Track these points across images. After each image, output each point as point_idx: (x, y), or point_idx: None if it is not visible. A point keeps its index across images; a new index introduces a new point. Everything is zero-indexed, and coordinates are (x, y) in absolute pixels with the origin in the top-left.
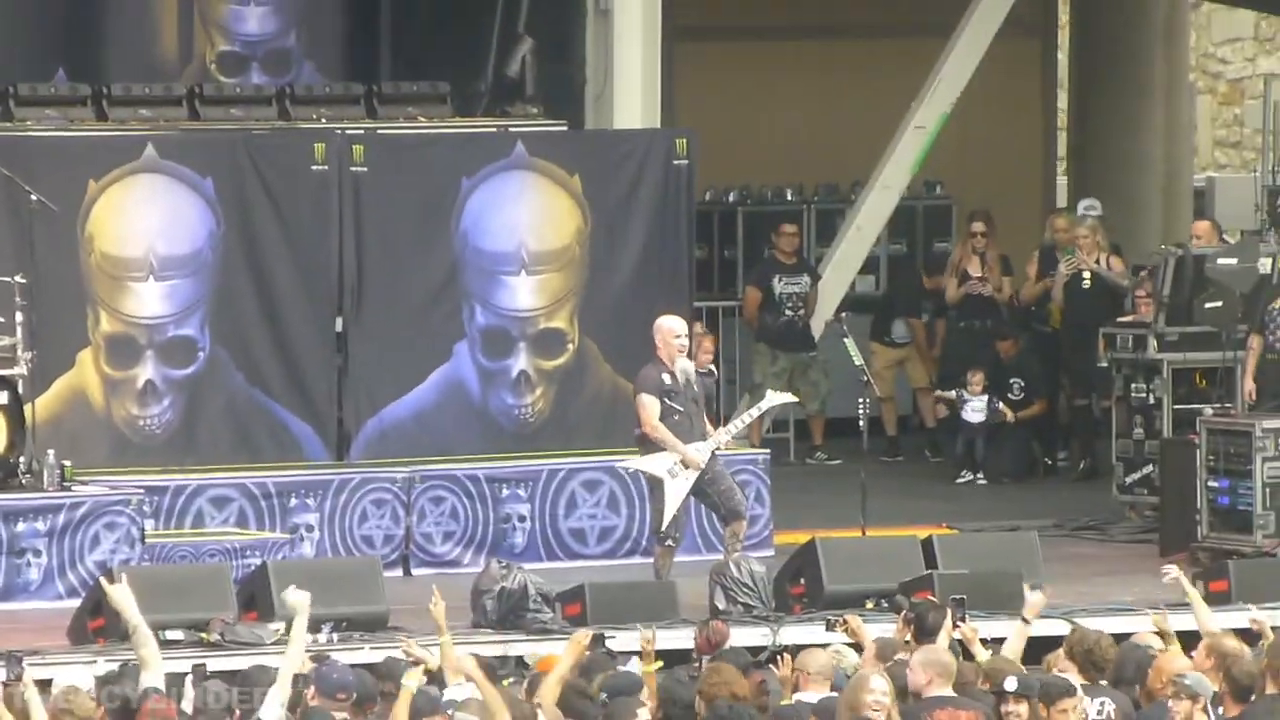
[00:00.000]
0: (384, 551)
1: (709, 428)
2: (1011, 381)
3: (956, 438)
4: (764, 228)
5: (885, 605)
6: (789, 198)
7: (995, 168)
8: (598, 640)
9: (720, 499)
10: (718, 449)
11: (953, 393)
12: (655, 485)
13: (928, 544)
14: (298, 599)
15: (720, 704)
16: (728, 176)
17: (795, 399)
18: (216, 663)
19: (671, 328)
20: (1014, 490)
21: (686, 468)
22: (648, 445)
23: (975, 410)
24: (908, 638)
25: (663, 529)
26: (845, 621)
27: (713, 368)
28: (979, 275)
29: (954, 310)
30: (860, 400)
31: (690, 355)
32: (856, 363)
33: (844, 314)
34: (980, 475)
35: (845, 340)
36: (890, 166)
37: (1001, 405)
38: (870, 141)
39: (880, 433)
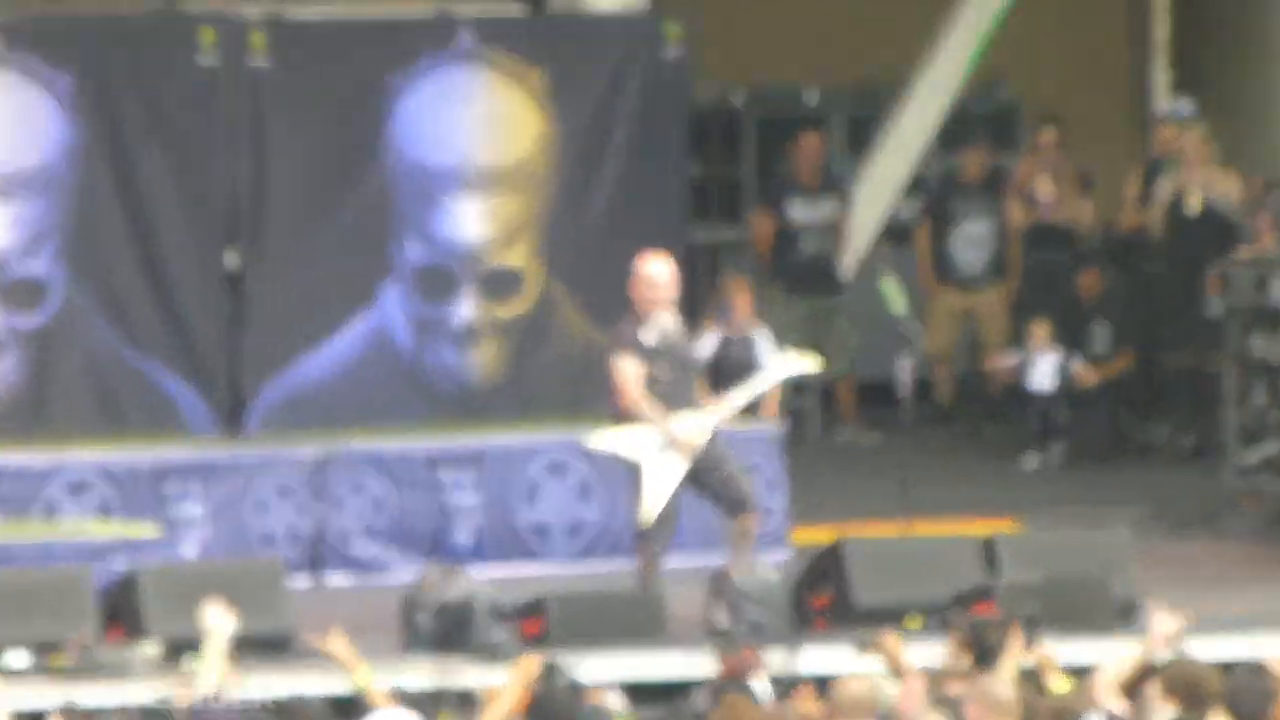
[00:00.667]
0: (289, 553)
1: (704, 399)
2: (1093, 329)
3: (1024, 410)
4: (779, 139)
5: (934, 623)
6: (811, 100)
7: (1073, 60)
8: (553, 671)
9: (721, 488)
10: (717, 426)
11: (1013, 358)
12: (634, 469)
13: (989, 544)
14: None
15: None
16: (732, 72)
17: (818, 366)
18: (75, 695)
19: (649, 275)
20: (1099, 474)
21: (676, 449)
22: (626, 419)
23: (1043, 373)
24: (965, 665)
25: (643, 523)
26: (881, 643)
27: (755, 332)
28: (1050, 197)
29: (1021, 241)
30: (900, 360)
31: (732, 317)
32: (898, 311)
33: (883, 248)
34: (1052, 455)
35: (884, 281)
36: (941, 60)
37: (1079, 365)
38: (915, 28)
39: (930, 400)
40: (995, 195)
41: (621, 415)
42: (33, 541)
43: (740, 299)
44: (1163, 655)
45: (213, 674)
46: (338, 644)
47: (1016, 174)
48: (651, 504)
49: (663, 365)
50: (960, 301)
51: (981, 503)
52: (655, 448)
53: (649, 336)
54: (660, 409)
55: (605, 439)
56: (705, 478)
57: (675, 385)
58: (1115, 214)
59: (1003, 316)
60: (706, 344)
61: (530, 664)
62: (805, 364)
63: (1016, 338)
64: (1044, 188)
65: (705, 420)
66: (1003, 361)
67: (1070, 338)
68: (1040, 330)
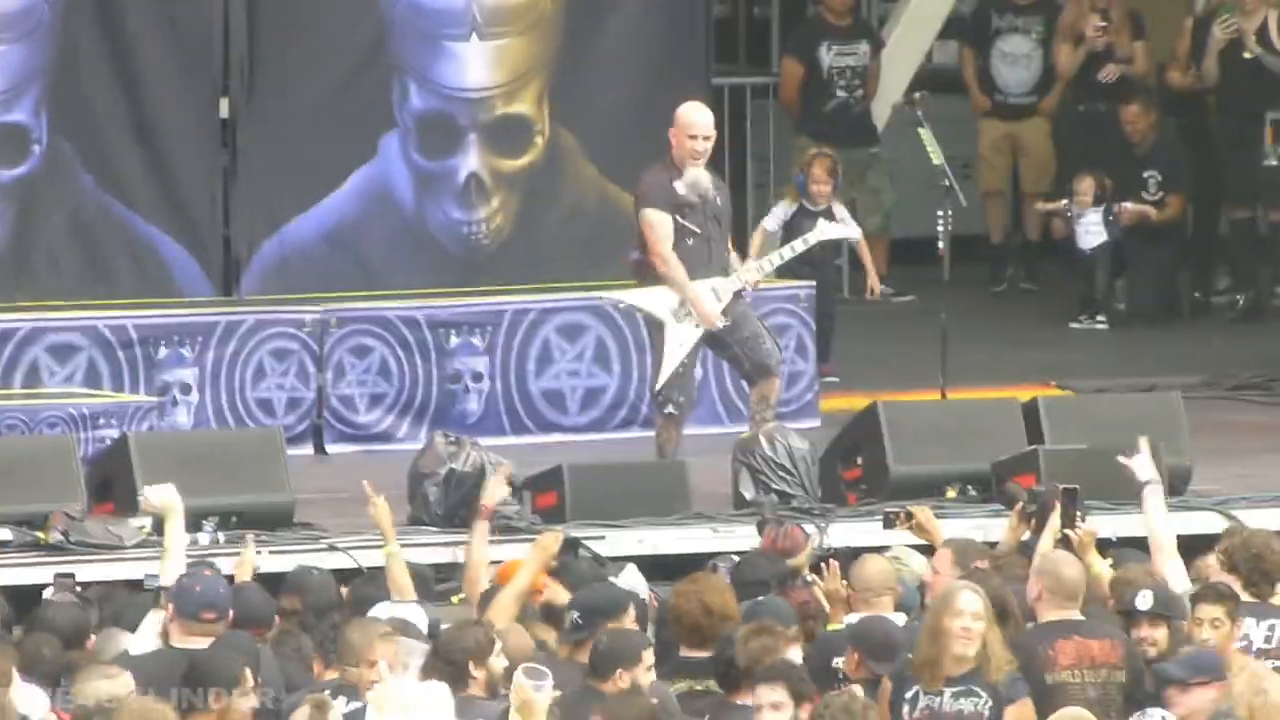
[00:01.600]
0: (288, 420)
1: (734, 259)
2: (1146, 177)
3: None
4: None
5: (974, 493)
6: None
7: None
8: (571, 545)
9: (744, 350)
10: (744, 289)
11: (1062, 202)
12: (655, 328)
13: (1031, 409)
14: (163, 498)
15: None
16: None
17: (857, 232)
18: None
19: (691, 120)
20: (1149, 335)
21: (698, 311)
22: (647, 275)
23: (1091, 229)
24: (1025, 536)
25: (659, 388)
26: (909, 515)
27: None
28: (1102, 29)
29: (1069, 89)
30: (940, 214)
31: (809, 188)
32: (936, 162)
33: (919, 94)
34: (1102, 318)
35: (921, 130)
36: None
37: (1129, 206)
38: None
39: (975, 253)
40: (1039, 11)
41: (642, 270)
42: (16, 408)
43: (818, 170)
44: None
45: (180, 556)
46: (383, 513)
47: (1063, 15)
48: (665, 365)
49: (696, 218)
50: (1005, 129)
51: (1025, 366)
52: (676, 307)
53: (681, 188)
54: (684, 271)
55: (625, 295)
56: (725, 338)
57: (705, 241)
58: (1166, 62)
59: (1046, 146)
60: (778, 213)
61: (549, 540)
62: (847, 229)
63: (1060, 181)
64: (1092, 30)
65: (730, 284)
66: (1051, 206)
67: (1121, 187)
68: (1084, 185)
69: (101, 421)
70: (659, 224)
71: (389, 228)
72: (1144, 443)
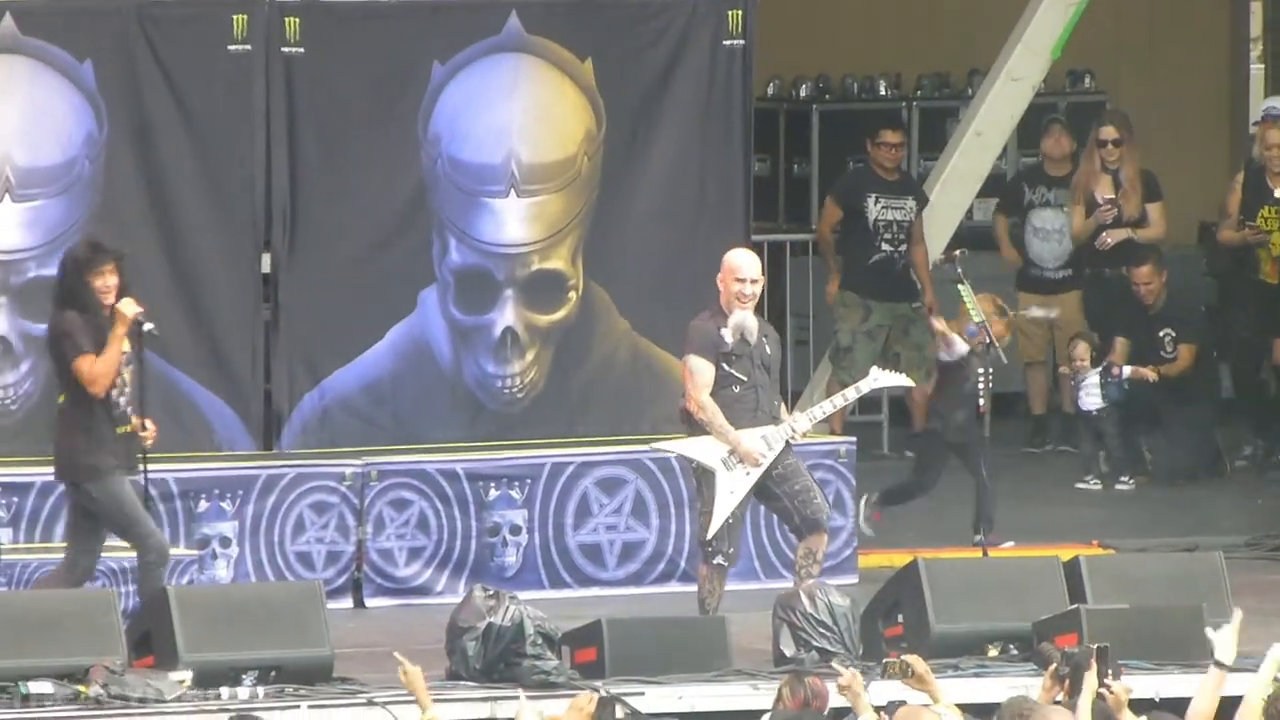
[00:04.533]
0: (327, 574)
1: (783, 409)
2: (1162, 335)
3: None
4: (848, 133)
5: (1015, 652)
6: (882, 92)
7: (1165, 52)
8: (607, 704)
9: (794, 504)
10: (792, 439)
11: (1061, 369)
12: (705, 478)
13: (1073, 568)
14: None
15: None
16: (799, 63)
17: (910, 382)
18: None
19: (738, 264)
20: (1192, 494)
21: (744, 460)
22: (696, 424)
23: (1091, 391)
24: (1058, 698)
25: (710, 538)
26: (905, 663)
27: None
28: (1110, 201)
29: (1083, 253)
30: (979, 370)
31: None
32: (976, 318)
33: (959, 251)
34: (1125, 478)
35: (961, 287)
36: (1021, 50)
37: (1127, 370)
38: (994, 14)
39: (1015, 412)
40: (1069, 183)
41: (690, 417)
42: (57, 561)
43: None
44: (1229, 663)
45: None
46: (416, 678)
47: (1077, 177)
48: (717, 515)
49: (742, 365)
50: (1039, 302)
51: (1068, 524)
52: (726, 456)
53: (729, 335)
54: (722, 417)
55: (675, 445)
56: (775, 490)
57: (753, 389)
58: (1213, 217)
59: (1079, 320)
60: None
61: (584, 701)
62: (897, 378)
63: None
64: (1103, 191)
65: (780, 433)
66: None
67: (1138, 348)
68: (1078, 350)
69: None
70: (699, 371)
71: (426, 381)
72: (1237, 616)
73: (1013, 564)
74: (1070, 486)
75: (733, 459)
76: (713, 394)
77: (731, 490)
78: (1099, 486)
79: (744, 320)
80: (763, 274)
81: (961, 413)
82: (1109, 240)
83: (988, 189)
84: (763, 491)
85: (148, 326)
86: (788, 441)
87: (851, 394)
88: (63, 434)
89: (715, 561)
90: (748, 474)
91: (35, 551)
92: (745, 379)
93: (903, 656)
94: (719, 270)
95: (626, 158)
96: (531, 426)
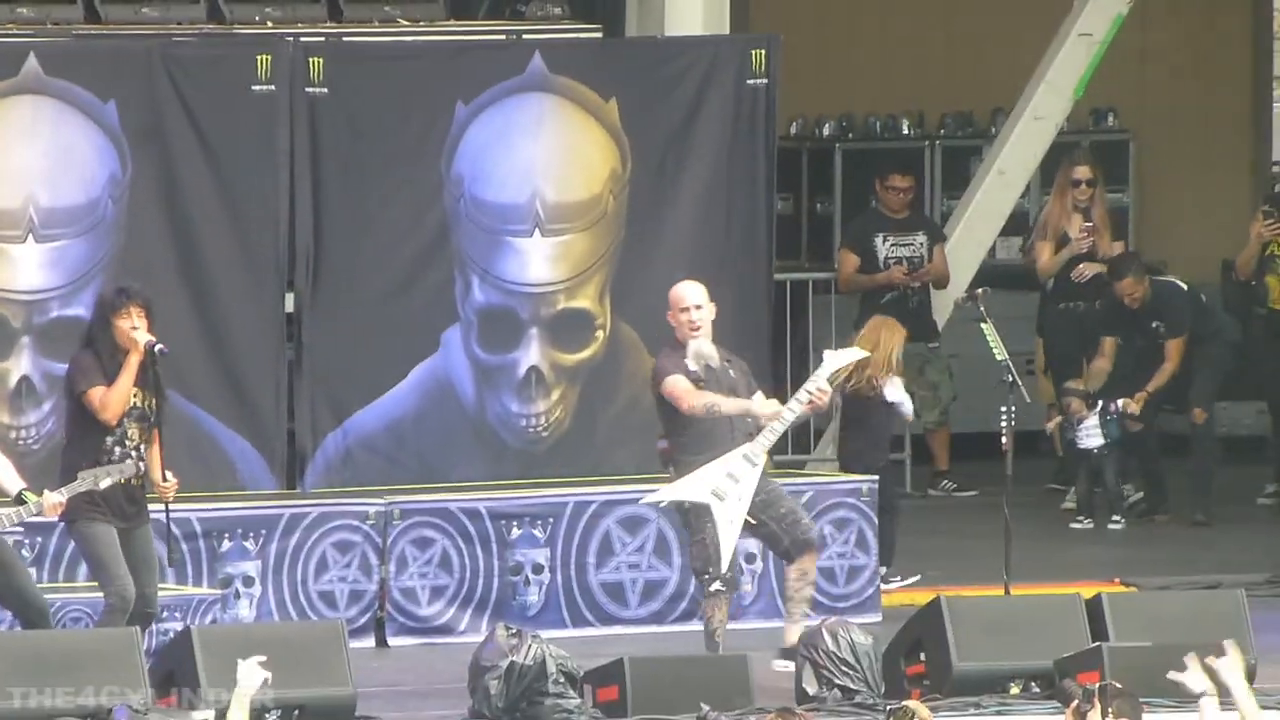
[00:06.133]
0: (350, 613)
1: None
2: (1155, 326)
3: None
4: (870, 172)
5: (1037, 690)
6: (905, 131)
7: (1188, 90)
8: None
9: (781, 528)
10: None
11: (1054, 420)
12: (698, 516)
13: (1095, 605)
14: (252, 676)
15: None
16: (822, 102)
17: (864, 353)
18: None
19: (680, 294)
20: (1214, 533)
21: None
22: (679, 464)
23: (1090, 432)
24: None
25: (719, 569)
26: (909, 709)
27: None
28: (1088, 229)
29: (1051, 287)
30: (1003, 410)
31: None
32: (999, 357)
33: (981, 290)
34: (1117, 517)
35: (983, 326)
36: (1044, 88)
37: (1123, 405)
38: (1017, 54)
39: (1035, 452)
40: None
41: (673, 460)
42: (79, 600)
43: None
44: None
45: None
46: None
47: (1045, 213)
48: (724, 546)
49: (711, 392)
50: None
51: (1090, 562)
52: (716, 487)
53: (692, 364)
54: (728, 399)
55: (662, 494)
56: (762, 515)
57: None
58: (1232, 255)
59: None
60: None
61: None
62: (851, 354)
63: (1057, 380)
64: (1073, 231)
65: (756, 448)
66: (1051, 425)
67: (1140, 346)
68: (1075, 404)
69: (165, 614)
70: (679, 384)
71: (449, 420)
72: (1190, 659)
73: (1035, 602)
74: (1095, 524)
75: (723, 487)
76: (686, 424)
77: (731, 519)
78: (1091, 526)
79: (701, 347)
80: (707, 300)
81: (863, 443)
82: (1086, 272)
83: (1010, 228)
84: (745, 522)
85: (159, 346)
86: (765, 472)
87: (812, 386)
88: (60, 474)
89: (714, 589)
90: (740, 499)
91: (60, 591)
92: None
93: (905, 703)
94: (744, 309)
95: (652, 197)
96: (555, 465)
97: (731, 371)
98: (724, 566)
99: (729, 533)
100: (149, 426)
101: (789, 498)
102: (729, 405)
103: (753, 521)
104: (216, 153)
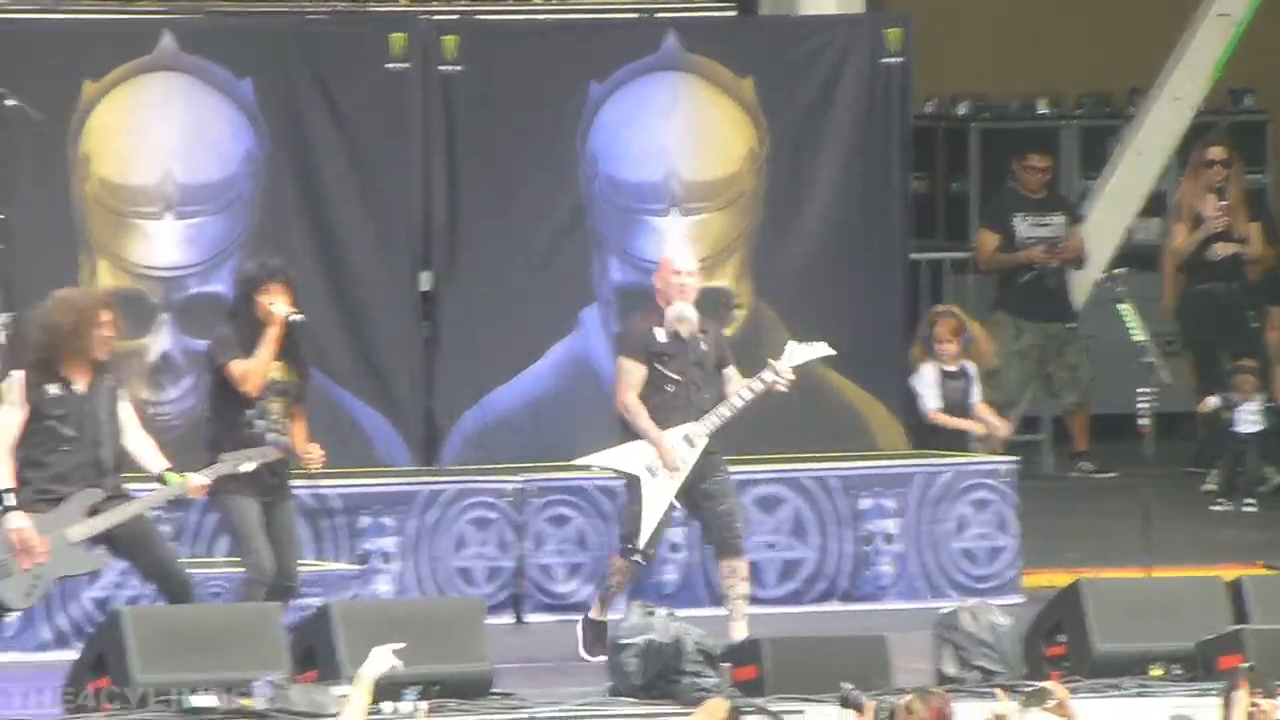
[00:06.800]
0: (488, 590)
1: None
2: (1249, 313)
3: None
4: (1007, 151)
5: (1179, 673)
6: (1041, 111)
7: None
8: (737, 713)
9: (715, 524)
10: (710, 441)
11: (1212, 401)
12: (631, 486)
13: (1236, 588)
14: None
15: None
16: (957, 81)
17: (830, 350)
18: None
19: (673, 259)
20: None
21: (666, 464)
22: (627, 431)
23: (1249, 417)
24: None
25: (637, 543)
26: (1046, 691)
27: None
28: (1223, 209)
29: (1185, 270)
30: (1143, 391)
31: (938, 349)
32: (1137, 338)
33: (1121, 270)
34: (1251, 501)
35: (1122, 306)
36: (1182, 69)
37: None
38: (1156, 33)
39: (1175, 434)
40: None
41: (624, 425)
42: (219, 576)
43: (941, 329)
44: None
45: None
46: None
47: (1179, 194)
48: (645, 524)
49: (676, 365)
50: None
51: (1232, 545)
52: (651, 463)
53: (660, 334)
54: (646, 418)
55: (596, 458)
56: (703, 503)
57: (685, 390)
58: None
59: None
60: (927, 377)
61: (716, 706)
62: (816, 349)
63: (1196, 372)
64: (1209, 212)
65: (699, 430)
66: (1205, 406)
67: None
68: (1245, 382)
69: (304, 590)
70: (628, 372)
71: (588, 399)
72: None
73: (1176, 584)
74: (1235, 506)
75: (657, 463)
76: (646, 394)
77: (658, 496)
78: (1230, 509)
79: (683, 310)
80: (695, 265)
81: None
82: (1220, 252)
83: (1148, 209)
84: (690, 503)
85: (295, 316)
86: (722, 458)
87: (769, 375)
88: (203, 446)
89: (632, 559)
90: (671, 479)
91: (200, 565)
92: (679, 377)
93: (1042, 685)
94: (879, 289)
95: (788, 176)
96: None
97: (703, 344)
98: (643, 541)
99: (653, 509)
100: (291, 401)
101: (734, 496)
102: (649, 433)
103: (692, 507)
104: (351, 130)
